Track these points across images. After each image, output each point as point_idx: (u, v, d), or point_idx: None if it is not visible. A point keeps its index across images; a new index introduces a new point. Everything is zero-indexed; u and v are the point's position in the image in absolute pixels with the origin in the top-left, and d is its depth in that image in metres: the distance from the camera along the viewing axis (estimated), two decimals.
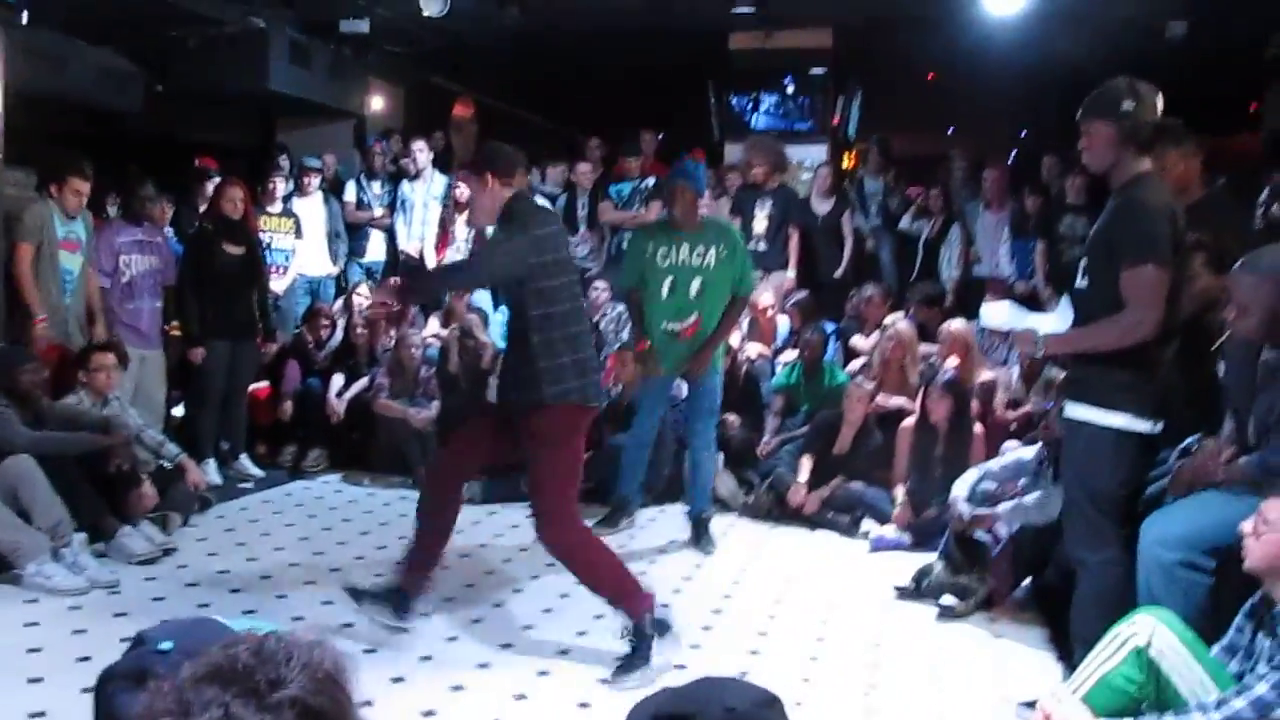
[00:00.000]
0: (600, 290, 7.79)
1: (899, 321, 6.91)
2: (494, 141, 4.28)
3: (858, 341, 7.43)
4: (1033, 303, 7.52)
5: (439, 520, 4.18)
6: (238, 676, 1.13)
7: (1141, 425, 3.39)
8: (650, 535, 5.82)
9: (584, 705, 3.60)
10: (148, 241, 6.48)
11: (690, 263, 5.38)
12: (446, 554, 5.12)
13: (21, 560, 4.59)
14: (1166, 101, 3.45)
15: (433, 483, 4.26)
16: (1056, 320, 3.78)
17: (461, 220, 8.22)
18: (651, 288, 5.45)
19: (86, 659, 3.78)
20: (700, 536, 5.58)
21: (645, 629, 3.82)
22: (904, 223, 8.69)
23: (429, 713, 3.49)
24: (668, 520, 6.12)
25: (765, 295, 7.71)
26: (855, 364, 7.14)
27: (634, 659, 3.79)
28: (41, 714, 3.41)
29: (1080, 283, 3.53)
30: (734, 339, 7.19)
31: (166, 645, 1.51)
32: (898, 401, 6.34)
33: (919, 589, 4.70)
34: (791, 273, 8.14)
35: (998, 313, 4.34)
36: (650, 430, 5.75)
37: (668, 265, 5.39)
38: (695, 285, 5.37)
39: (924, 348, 6.83)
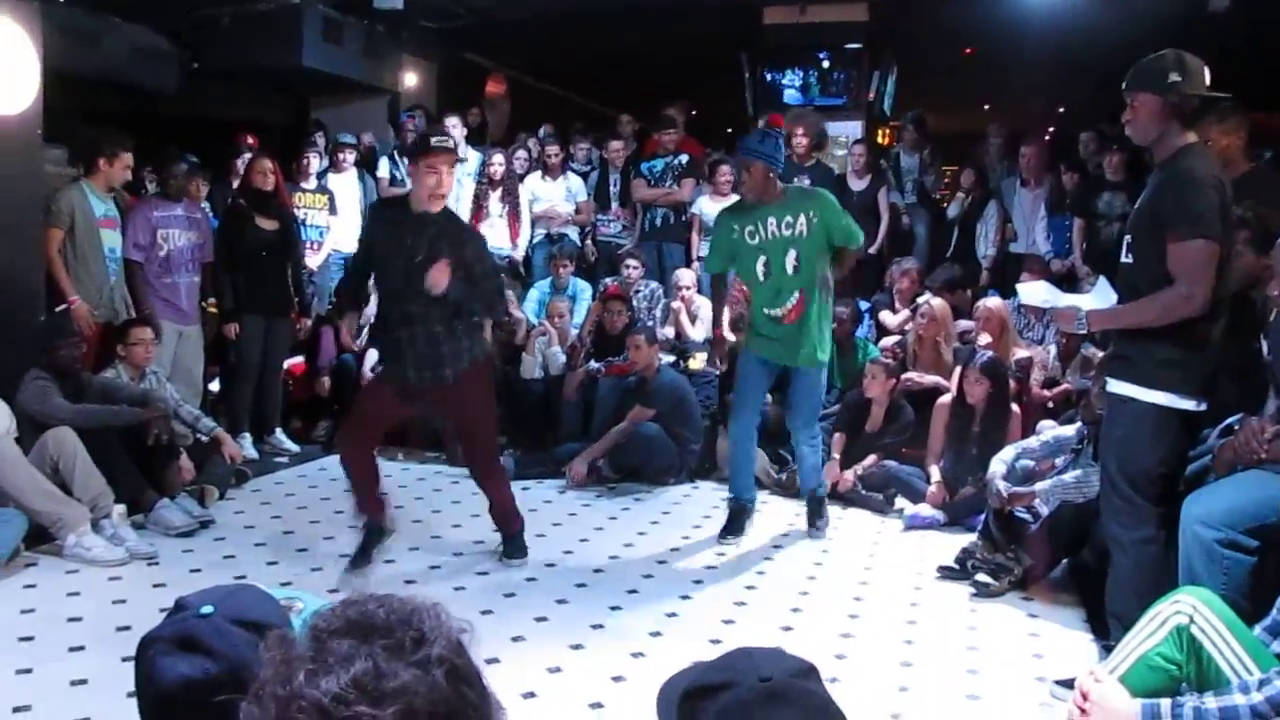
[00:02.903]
0: (633, 268, 7.78)
1: (933, 299, 6.85)
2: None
3: (886, 317, 7.37)
4: (1070, 280, 7.46)
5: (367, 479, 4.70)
6: (378, 631, 1.10)
7: (1186, 403, 3.35)
8: (684, 512, 5.83)
9: (618, 679, 3.61)
10: (187, 217, 6.50)
11: (781, 234, 4.98)
12: (479, 529, 5.18)
13: (63, 531, 4.66)
14: (1210, 76, 3.39)
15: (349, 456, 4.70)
16: (1096, 299, 3.73)
17: (495, 196, 8.22)
18: (745, 271, 5.17)
19: (126, 628, 3.83)
20: (814, 515, 5.46)
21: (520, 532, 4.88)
22: (951, 210, 8.59)
23: None
24: (702, 497, 6.12)
25: None
26: (887, 340, 7.09)
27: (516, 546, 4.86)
28: (83, 681, 3.47)
29: (1124, 258, 3.48)
30: None
31: (208, 609, 1.51)
32: (931, 379, 6.30)
33: (963, 569, 4.67)
34: None
35: (1036, 291, 4.30)
36: (751, 423, 5.32)
37: (757, 243, 5.01)
38: (790, 259, 4.98)
39: (961, 323, 6.78)
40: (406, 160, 8.57)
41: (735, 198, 8.09)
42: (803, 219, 4.97)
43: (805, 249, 4.98)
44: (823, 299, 5.12)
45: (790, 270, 5.01)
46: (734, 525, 5.32)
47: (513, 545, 4.89)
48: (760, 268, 5.04)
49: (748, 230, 5.03)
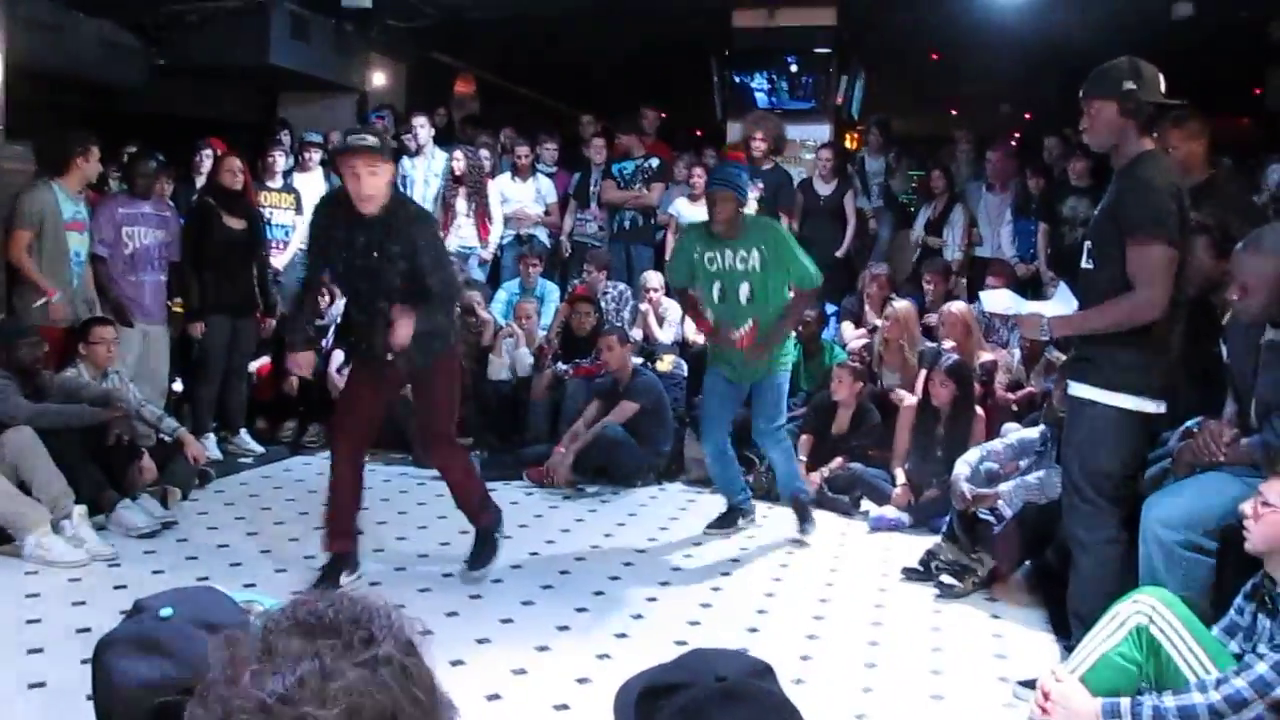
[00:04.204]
0: (589, 271, 7.81)
1: (898, 302, 6.90)
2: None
3: (847, 330, 7.39)
4: (1034, 284, 7.53)
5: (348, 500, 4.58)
6: (326, 631, 1.08)
7: (1146, 406, 3.39)
8: (651, 514, 5.83)
9: (583, 680, 3.61)
10: (155, 215, 6.42)
11: (736, 267, 5.11)
12: (445, 531, 5.17)
13: (22, 532, 4.61)
14: (1170, 82, 3.43)
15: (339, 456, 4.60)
16: (1058, 305, 3.77)
17: (461, 195, 8.19)
18: (704, 292, 5.27)
19: (86, 630, 3.79)
20: (802, 519, 5.44)
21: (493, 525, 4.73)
22: (923, 215, 8.65)
23: None
24: (669, 498, 6.13)
25: None
26: (855, 343, 7.12)
27: (486, 547, 4.67)
28: (41, 684, 3.42)
29: (1085, 263, 3.52)
30: None
31: (167, 612, 1.50)
32: (908, 399, 6.22)
33: (927, 571, 4.70)
34: None
35: (999, 299, 4.34)
36: (722, 439, 5.39)
37: (715, 269, 5.15)
38: (744, 290, 5.11)
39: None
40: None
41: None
42: (756, 253, 5.08)
43: (757, 282, 5.10)
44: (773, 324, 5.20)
45: (744, 300, 5.14)
46: (724, 521, 5.48)
47: (481, 544, 4.70)
48: (716, 292, 5.20)
49: (707, 256, 5.17)
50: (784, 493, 5.58)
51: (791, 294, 5.20)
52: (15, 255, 5.88)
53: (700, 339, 7.02)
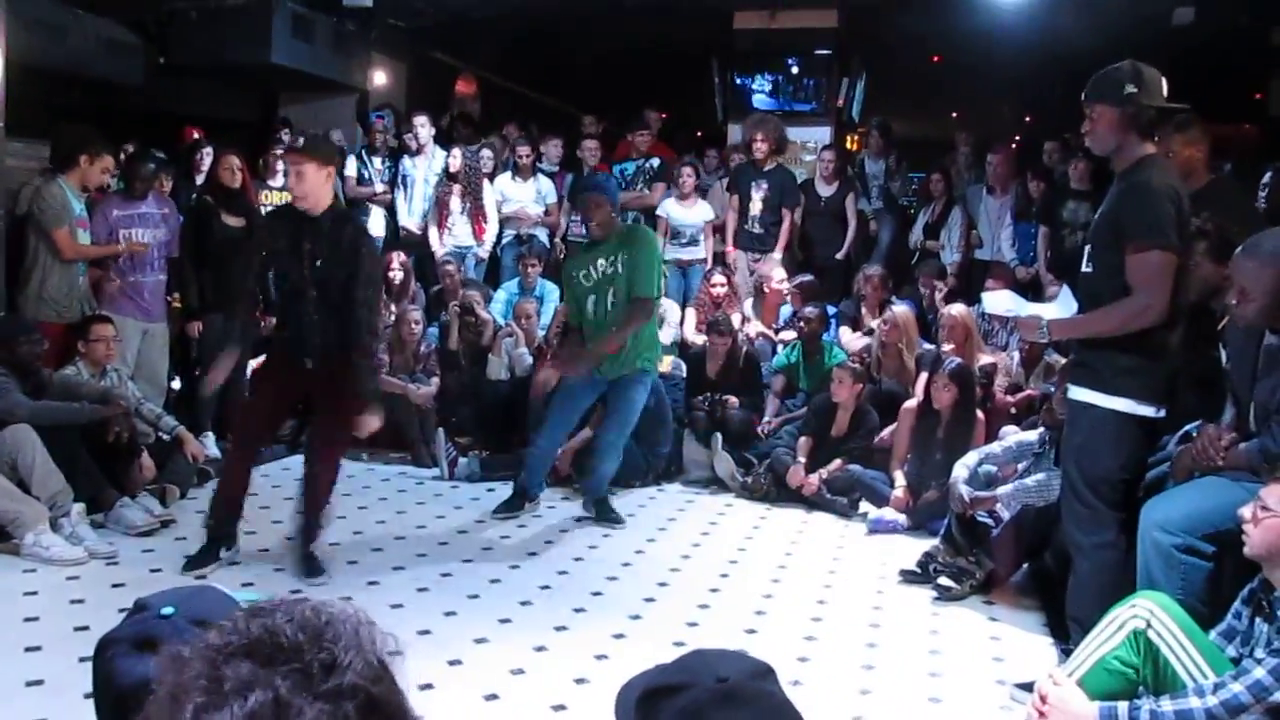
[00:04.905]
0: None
1: (896, 306, 6.92)
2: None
3: (845, 335, 7.39)
4: (1034, 288, 7.54)
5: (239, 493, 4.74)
6: (283, 654, 0.96)
7: (1145, 410, 3.39)
8: (649, 515, 5.83)
9: (581, 681, 3.61)
10: (152, 214, 6.41)
11: (606, 272, 5.30)
12: (443, 530, 5.17)
13: (20, 530, 4.60)
14: (1171, 88, 3.43)
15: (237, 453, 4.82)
16: (1058, 308, 3.78)
17: (456, 194, 8.20)
18: (582, 310, 5.43)
19: (84, 628, 3.79)
20: (602, 514, 5.60)
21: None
22: (922, 218, 8.67)
23: (426, 685, 3.49)
24: (667, 500, 6.13)
25: (778, 271, 7.72)
26: (855, 345, 7.13)
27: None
28: (39, 682, 3.42)
29: (1085, 267, 3.52)
30: (735, 319, 7.20)
31: (168, 610, 1.50)
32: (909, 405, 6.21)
33: (925, 573, 4.70)
34: (778, 254, 8.11)
35: (1000, 301, 4.34)
36: (560, 435, 5.73)
37: (590, 284, 5.34)
38: (611, 295, 5.29)
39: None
40: (377, 160, 8.58)
41: (700, 201, 8.19)
42: (619, 257, 5.26)
43: (620, 286, 5.25)
44: (644, 330, 5.36)
45: (611, 306, 5.29)
46: (511, 504, 5.64)
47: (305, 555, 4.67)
48: (590, 307, 5.37)
49: (581, 274, 5.36)
50: (591, 492, 5.66)
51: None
52: (71, 254, 5.95)
53: (701, 339, 7.05)
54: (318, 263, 4.46)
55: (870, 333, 7.15)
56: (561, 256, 8.62)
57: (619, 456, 5.61)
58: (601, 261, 5.31)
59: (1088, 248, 3.55)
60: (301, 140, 4.41)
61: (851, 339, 7.29)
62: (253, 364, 7.08)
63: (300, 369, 4.59)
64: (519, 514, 5.62)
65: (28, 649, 3.69)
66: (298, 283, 4.52)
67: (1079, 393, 3.50)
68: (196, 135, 8.20)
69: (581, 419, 6.50)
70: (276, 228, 4.63)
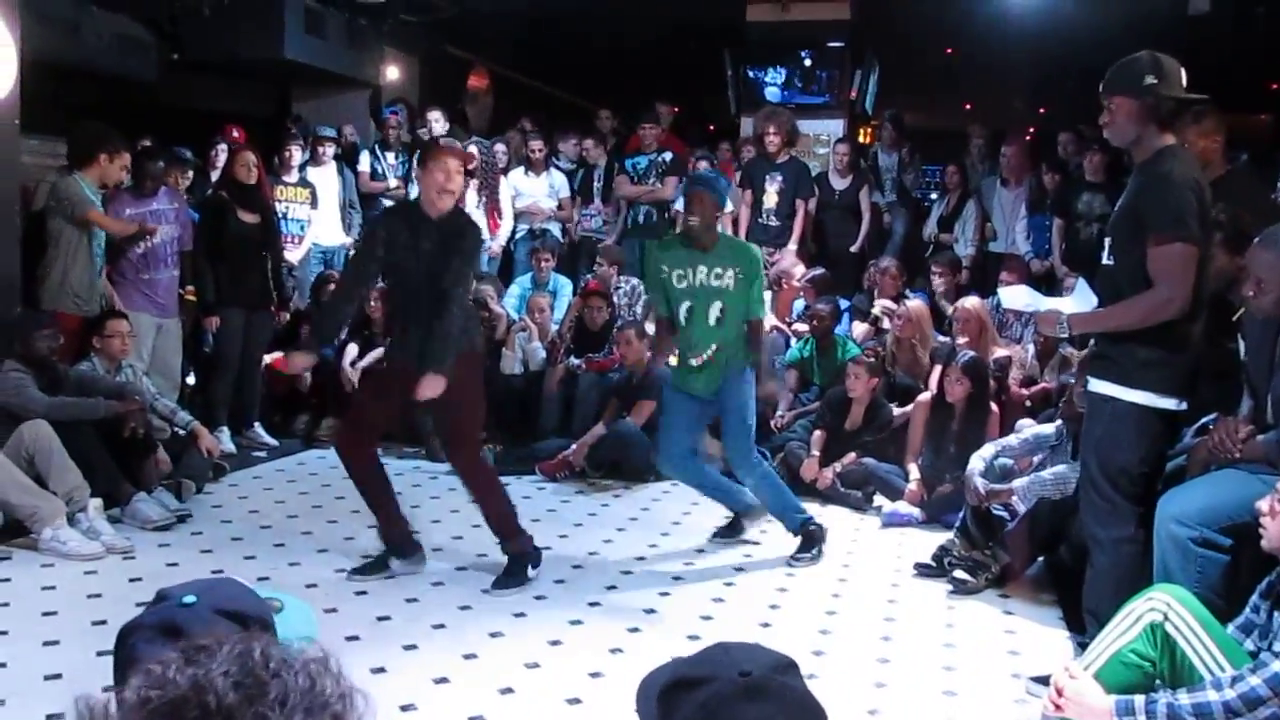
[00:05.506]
0: (600, 265, 7.81)
1: (910, 300, 6.90)
2: None
3: (858, 329, 7.38)
4: (1049, 280, 7.51)
5: (375, 484, 4.65)
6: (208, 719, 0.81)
7: (1166, 403, 3.37)
8: (663, 509, 5.83)
9: (595, 675, 3.61)
10: (164, 210, 6.42)
11: (709, 284, 4.84)
12: (457, 525, 5.18)
13: (38, 525, 4.63)
14: (1187, 78, 3.41)
15: (349, 454, 4.62)
16: (1076, 302, 3.76)
17: (472, 188, 8.21)
18: (672, 312, 4.96)
19: (102, 623, 3.81)
20: (808, 546, 5.00)
21: (526, 554, 4.55)
22: (929, 226, 8.65)
23: (441, 679, 3.50)
24: (680, 494, 6.12)
25: (799, 268, 7.71)
26: (858, 331, 7.13)
27: (513, 575, 4.48)
28: (57, 676, 3.44)
29: (1105, 260, 3.50)
30: None
31: (190, 599, 1.50)
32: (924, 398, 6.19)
33: (940, 567, 4.69)
34: (793, 245, 8.10)
35: (1017, 296, 4.32)
36: (680, 454, 5.08)
37: (684, 288, 4.87)
38: (715, 311, 4.84)
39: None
40: (390, 155, 8.60)
41: None
42: (730, 272, 4.83)
43: (731, 302, 4.84)
44: (738, 349, 4.91)
45: (713, 322, 4.86)
46: (806, 545, 5.00)
47: (510, 568, 4.54)
48: (683, 314, 4.90)
49: (676, 273, 4.89)
50: (786, 525, 5.08)
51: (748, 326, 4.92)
52: (116, 228, 6.06)
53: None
54: (434, 259, 4.37)
55: (875, 321, 7.15)
56: (575, 245, 8.62)
57: (759, 465, 5.10)
58: (703, 269, 4.84)
59: (1107, 240, 3.52)
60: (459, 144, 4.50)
61: (861, 332, 7.28)
62: (270, 358, 7.15)
63: (404, 374, 4.43)
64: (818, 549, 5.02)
65: (46, 643, 3.72)
66: (410, 280, 4.46)
67: (1099, 385, 3.48)
68: (236, 133, 8.19)
69: (595, 415, 6.55)
70: (399, 226, 4.49)
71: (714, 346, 4.86)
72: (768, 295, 7.68)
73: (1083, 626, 3.66)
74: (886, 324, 7.03)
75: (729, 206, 7.53)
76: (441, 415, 4.67)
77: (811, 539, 4.99)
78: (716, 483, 5.24)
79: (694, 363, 4.91)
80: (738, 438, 4.98)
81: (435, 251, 4.37)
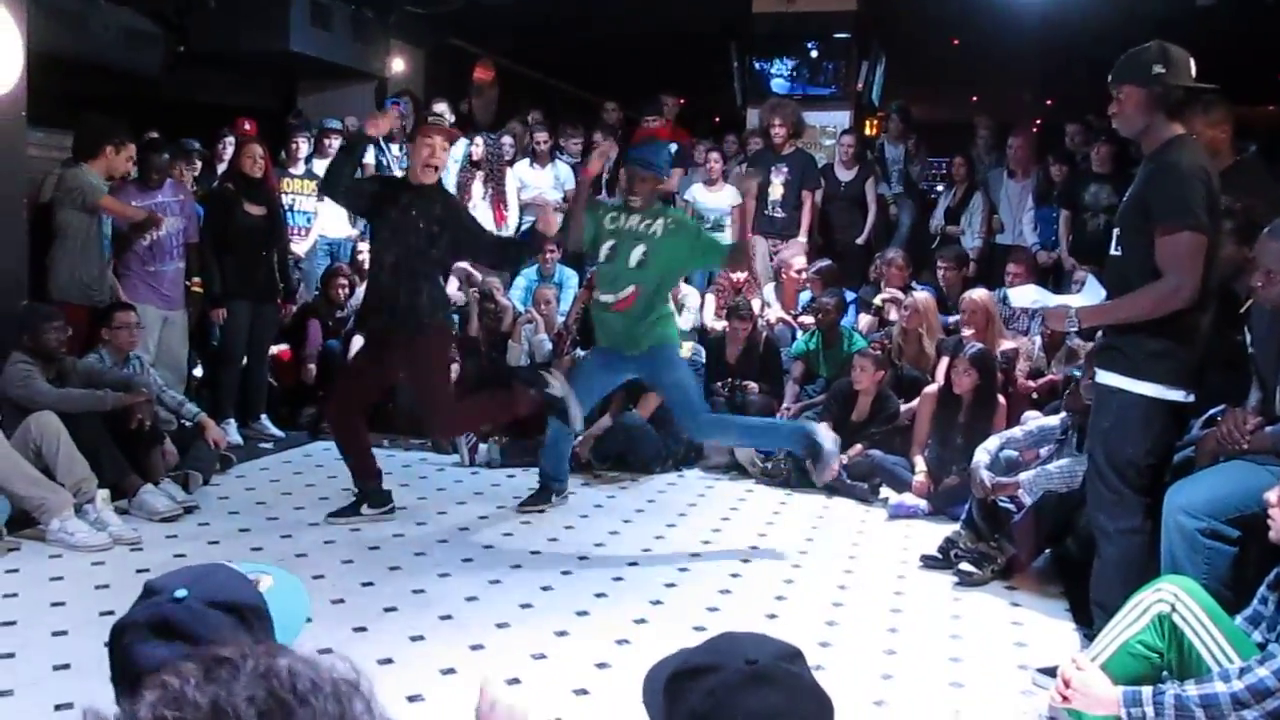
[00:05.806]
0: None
1: (917, 292, 6.89)
2: None
3: (864, 321, 7.37)
4: (1056, 272, 7.49)
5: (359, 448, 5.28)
6: None
7: (1174, 394, 3.35)
8: (669, 500, 5.84)
9: (602, 665, 3.61)
10: (169, 203, 6.43)
11: (636, 229, 5.08)
12: (464, 516, 5.19)
13: (46, 516, 4.64)
14: (1196, 68, 3.39)
15: (336, 421, 5.32)
16: (1086, 297, 3.75)
17: (478, 180, 8.21)
18: (595, 245, 5.21)
19: (109, 613, 3.81)
20: (814, 458, 5.26)
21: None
22: (936, 218, 8.63)
23: (449, 670, 3.51)
24: (687, 485, 6.14)
25: (799, 259, 7.70)
26: (863, 323, 7.13)
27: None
28: (66, 666, 3.46)
29: (1113, 250, 3.49)
30: (755, 305, 7.18)
31: (182, 593, 1.47)
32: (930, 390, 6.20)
33: (946, 559, 4.68)
34: (803, 237, 8.09)
35: (1026, 294, 4.31)
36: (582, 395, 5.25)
37: (613, 229, 5.13)
38: (637, 253, 5.03)
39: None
40: (395, 147, 8.59)
41: (726, 186, 8.13)
42: (660, 222, 5.10)
43: (654, 247, 5.03)
44: (659, 305, 5.16)
45: (634, 264, 5.04)
46: (537, 498, 5.56)
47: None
48: (605, 250, 5.16)
49: (610, 216, 5.22)
50: (797, 449, 5.41)
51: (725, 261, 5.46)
52: (129, 213, 6.17)
53: (721, 325, 7.01)
54: (421, 225, 4.95)
55: (878, 311, 7.14)
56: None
57: (719, 417, 5.67)
58: (635, 218, 5.11)
59: (1116, 231, 3.50)
60: (446, 120, 5.16)
61: (866, 323, 7.27)
62: (276, 350, 7.16)
63: (389, 343, 5.09)
64: (545, 507, 5.51)
65: (54, 633, 3.73)
66: (397, 244, 4.99)
67: (1107, 377, 3.46)
68: (247, 126, 8.19)
69: (601, 406, 6.54)
70: (392, 191, 5.09)
71: (631, 288, 5.04)
72: (770, 286, 7.70)
73: (1089, 618, 3.66)
74: (892, 315, 7.02)
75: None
76: (414, 385, 5.34)
77: (814, 447, 5.16)
78: (564, 449, 5.65)
79: (606, 299, 5.13)
80: (684, 409, 5.22)
81: (419, 218, 4.93)
